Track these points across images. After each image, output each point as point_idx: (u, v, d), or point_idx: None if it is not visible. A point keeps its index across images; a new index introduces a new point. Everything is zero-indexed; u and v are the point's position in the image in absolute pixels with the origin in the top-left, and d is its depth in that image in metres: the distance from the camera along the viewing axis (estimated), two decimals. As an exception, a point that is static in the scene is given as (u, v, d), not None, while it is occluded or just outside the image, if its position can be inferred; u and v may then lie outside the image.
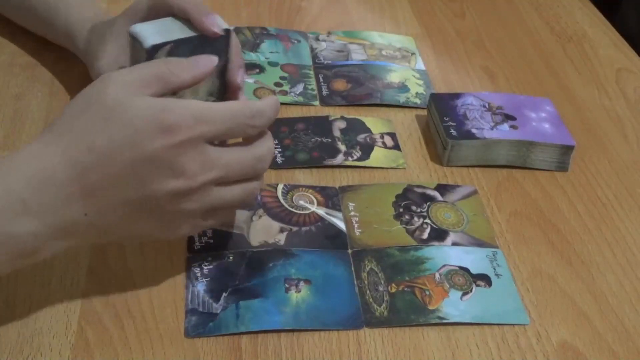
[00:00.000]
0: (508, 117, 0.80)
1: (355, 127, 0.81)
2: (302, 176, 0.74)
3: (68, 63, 0.84)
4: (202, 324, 0.59)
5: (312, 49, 0.94)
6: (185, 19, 0.62)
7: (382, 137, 0.80)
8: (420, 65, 0.93)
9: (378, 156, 0.77)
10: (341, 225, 0.69)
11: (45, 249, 0.53)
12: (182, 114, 0.52)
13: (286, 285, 0.62)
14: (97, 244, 0.61)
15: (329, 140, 0.78)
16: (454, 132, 0.77)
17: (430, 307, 0.62)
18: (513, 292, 0.64)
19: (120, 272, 0.62)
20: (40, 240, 0.52)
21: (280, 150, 0.76)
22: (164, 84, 0.54)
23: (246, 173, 0.57)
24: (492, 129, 0.78)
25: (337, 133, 0.80)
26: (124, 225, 0.54)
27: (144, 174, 0.52)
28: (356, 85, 0.87)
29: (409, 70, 0.92)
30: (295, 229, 0.68)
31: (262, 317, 0.59)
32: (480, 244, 0.68)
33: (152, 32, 0.60)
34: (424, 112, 0.84)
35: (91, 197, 0.52)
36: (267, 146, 0.57)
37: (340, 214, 0.70)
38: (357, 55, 0.93)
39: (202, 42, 0.61)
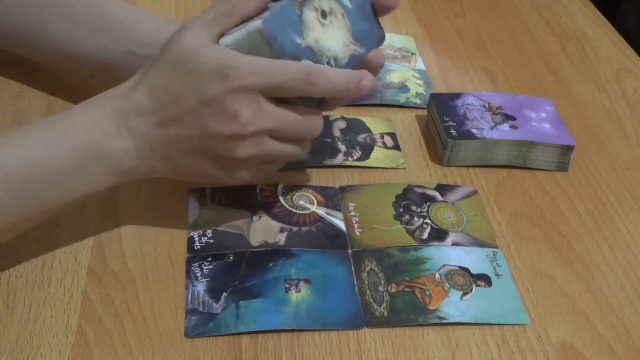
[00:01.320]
0: (508, 117, 0.79)
1: (355, 127, 0.81)
2: (302, 176, 0.74)
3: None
4: (202, 324, 0.59)
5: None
6: None
7: (382, 137, 0.80)
8: (420, 65, 0.93)
9: (378, 156, 0.77)
10: (341, 225, 0.69)
11: (132, 170, 0.61)
12: (240, 65, 0.58)
13: (286, 285, 0.62)
14: (169, 177, 0.64)
15: (329, 140, 0.78)
16: (454, 132, 0.77)
17: (430, 307, 0.62)
18: (513, 292, 0.64)
19: (120, 272, 0.62)
20: (129, 159, 0.60)
21: (280, 150, 0.76)
22: (229, 18, 0.60)
23: (298, 133, 0.62)
24: (492, 129, 0.78)
25: (337, 133, 0.80)
26: (190, 160, 0.61)
27: (205, 115, 0.58)
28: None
29: (409, 70, 0.92)
30: (295, 229, 0.68)
31: (262, 317, 0.59)
32: (480, 244, 0.68)
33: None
34: (424, 112, 0.84)
35: (165, 127, 0.59)
36: (318, 117, 0.63)
37: (340, 214, 0.70)
38: (357, 55, 0.93)
39: None
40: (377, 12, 0.66)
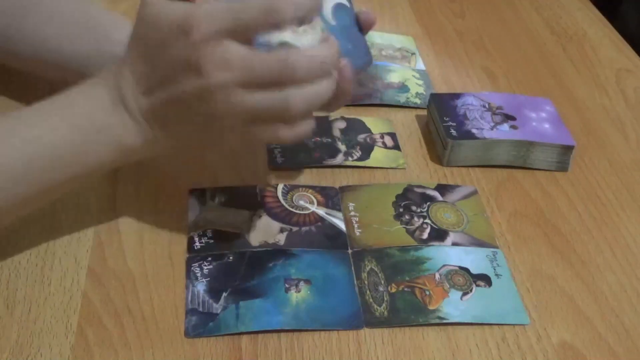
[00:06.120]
0: (508, 117, 0.80)
1: (355, 127, 0.81)
2: (302, 176, 0.74)
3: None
4: (202, 324, 0.59)
5: (312, 49, 0.94)
6: None
7: (382, 137, 0.80)
8: (420, 65, 0.93)
9: (378, 156, 0.77)
10: (341, 225, 0.69)
11: (134, 145, 0.59)
12: (197, 12, 0.54)
13: (286, 285, 0.62)
14: (175, 151, 0.63)
15: (329, 140, 0.78)
16: (454, 132, 0.77)
17: (430, 307, 0.62)
18: (513, 292, 0.64)
19: (120, 272, 0.62)
20: (129, 133, 0.58)
21: (280, 150, 0.76)
22: None
23: (272, 77, 0.55)
24: (492, 129, 0.78)
25: (337, 133, 0.80)
26: (181, 126, 0.58)
27: (171, 74, 0.56)
28: (356, 85, 0.87)
29: (409, 70, 0.92)
30: (295, 229, 0.68)
31: (262, 317, 0.59)
32: (480, 244, 0.68)
33: None
34: (424, 112, 0.84)
35: (151, 95, 0.57)
36: (293, 52, 0.56)
37: (340, 214, 0.70)
38: (357, 55, 0.93)
39: None
40: (362, 31, 0.66)
